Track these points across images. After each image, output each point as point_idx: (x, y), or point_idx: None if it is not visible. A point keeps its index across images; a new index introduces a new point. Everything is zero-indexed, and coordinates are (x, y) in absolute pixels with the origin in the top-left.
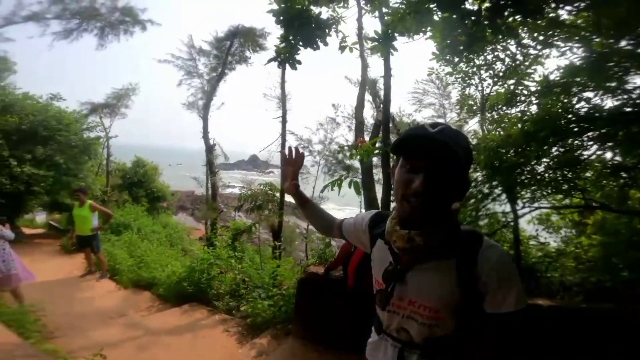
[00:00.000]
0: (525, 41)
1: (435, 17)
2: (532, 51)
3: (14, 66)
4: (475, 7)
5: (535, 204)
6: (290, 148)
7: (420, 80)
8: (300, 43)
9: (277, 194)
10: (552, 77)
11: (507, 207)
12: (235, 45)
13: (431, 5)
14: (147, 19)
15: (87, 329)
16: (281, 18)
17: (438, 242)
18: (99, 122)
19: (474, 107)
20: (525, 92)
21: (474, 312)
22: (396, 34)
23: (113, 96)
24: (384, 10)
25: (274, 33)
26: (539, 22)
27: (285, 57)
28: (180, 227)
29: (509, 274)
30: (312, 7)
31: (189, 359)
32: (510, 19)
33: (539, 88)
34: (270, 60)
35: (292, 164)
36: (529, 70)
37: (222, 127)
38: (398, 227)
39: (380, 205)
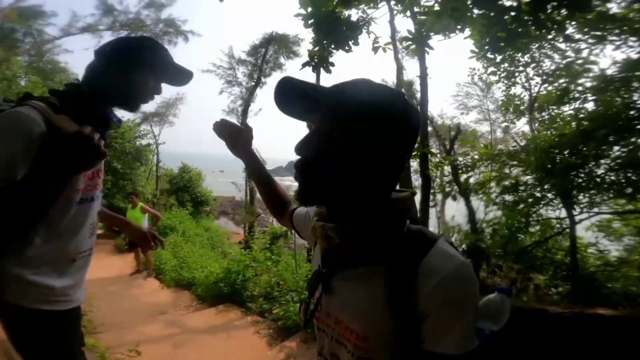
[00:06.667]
0: (575, 37)
1: (472, 15)
2: (583, 46)
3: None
4: (515, 3)
5: (595, 209)
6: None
7: (462, 84)
8: (332, 45)
9: None
10: (608, 72)
11: (562, 213)
12: (270, 52)
13: (467, 2)
14: (188, 30)
15: (129, 325)
16: (310, 22)
17: (358, 240)
18: (150, 130)
19: (521, 107)
20: (579, 88)
21: (412, 347)
22: (431, 33)
23: (162, 105)
24: (416, 9)
25: (308, 39)
26: (586, 16)
27: (319, 60)
28: (221, 230)
29: (463, 297)
30: (341, 10)
31: (218, 359)
32: (555, 14)
33: (594, 84)
34: (304, 65)
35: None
36: (585, 66)
37: (261, 133)
38: (316, 218)
39: (418, 208)
